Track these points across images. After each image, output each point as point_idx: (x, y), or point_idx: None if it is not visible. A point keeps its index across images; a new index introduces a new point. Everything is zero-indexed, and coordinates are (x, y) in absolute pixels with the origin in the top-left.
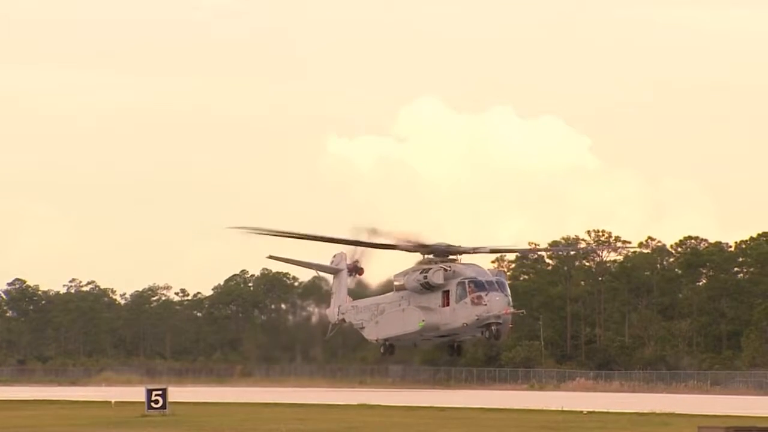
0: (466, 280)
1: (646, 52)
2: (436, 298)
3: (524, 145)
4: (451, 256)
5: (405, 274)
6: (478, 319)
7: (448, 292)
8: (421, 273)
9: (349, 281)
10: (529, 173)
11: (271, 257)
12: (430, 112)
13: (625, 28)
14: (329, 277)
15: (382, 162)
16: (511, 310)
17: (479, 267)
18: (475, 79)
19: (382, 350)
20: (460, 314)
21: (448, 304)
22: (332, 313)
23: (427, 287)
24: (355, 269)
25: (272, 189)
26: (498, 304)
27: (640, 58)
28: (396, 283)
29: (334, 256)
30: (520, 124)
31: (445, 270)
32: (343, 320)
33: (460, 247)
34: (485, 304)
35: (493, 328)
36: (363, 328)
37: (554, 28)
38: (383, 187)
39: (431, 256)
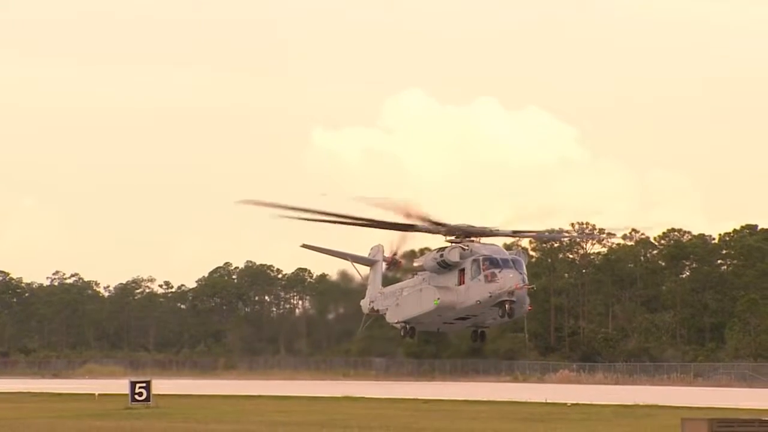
0: (481, 258)
1: (631, 45)
2: (453, 277)
3: (509, 136)
4: (472, 238)
5: (424, 255)
6: (491, 296)
7: (463, 270)
8: (437, 252)
9: (384, 273)
10: (514, 164)
11: (304, 246)
12: (415, 104)
13: (610, 20)
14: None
15: (367, 154)
16: (522, 285)
17: (497, 246)
18: (460, 71)
19: (402, 333)
20: (473, 292)
21: (463, 283)
22: (365, 304)
23: (444, 266)
24: (394, 262)
25: (258, 181)
26: (511, 280)
27: (626, 50)
28: (415, 264)
29: (372, 248)
30: (506, 116)
31: (463, 249)
32: (372, 309)
33: (482, 228)
34: (498, 281)
35: (506, 305)
36: (386, 313)
37: (539, 19)
38: (368, 178)
39: (452, 237)
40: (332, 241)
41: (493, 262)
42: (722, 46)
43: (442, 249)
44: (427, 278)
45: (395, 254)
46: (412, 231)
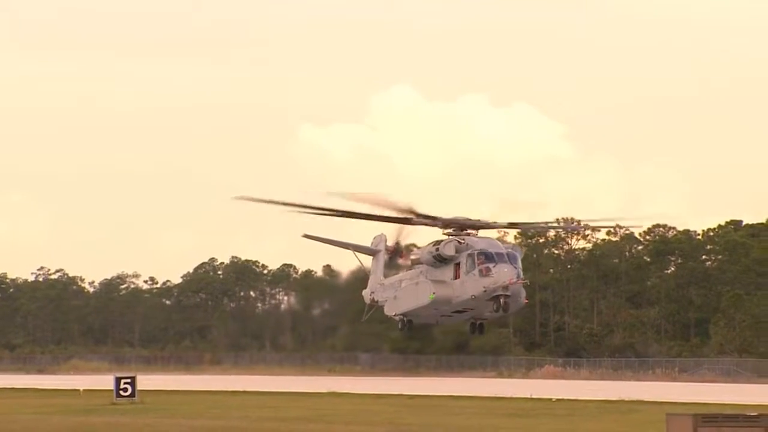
0: (476, 252)
1: (619, 42)
2: (449, 271)
3: (498, 132)
4: (470, 231)
5: (421, 249)
6: (485, 290)
7: (459, 264)
8: (433, 245)
9: (386, 262)
10: (502, 161)
11: (306, 236)
12: (403, 101)
13: (598, 18)
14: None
15: (355, 150)
16: (515, 280)
17: (492, 240)
18: (448, 68)
19: (400, 326)
20: (468, 286)
21: (459, 277)
22: (366, 294)
23: (440, 260)
24: (396, 252)
25: (245, 177)
26: (505, 275)
27: (613, 48)
28: (412, 257)
29: (374, 238)
30: (494, 112)
31: (459, 242)
32: (373, 300)
33: (479, 221)
34: (492, 276)
35: (501, 300)
36: (384, 305)
37: (527, 16)
38: (357, 174)
39: (450, 230)
40: (326, 232)
41: (488, 257)
42: (709, 43)
43: (438, 242)
44: (425, 271)
45: (398, 244)
46: (408, 224)
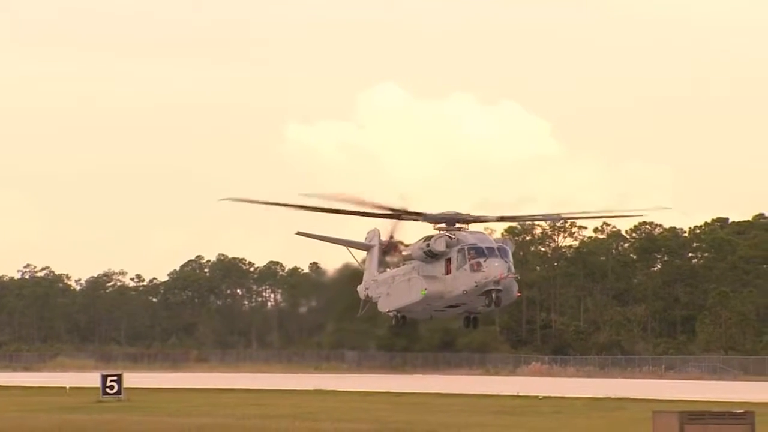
0: (466, 247)
1: (605, 39)
2: (440, 267)
3: (485, 130)
4: (460, 225)
5: (412, 244)
6: (476, 285)
7: (450, 259)
8: (424, 241)
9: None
10: (490, 159)
11: (299, 233)
12: (390, 99)
13: (586, 14)
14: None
15: (342, 148)
16: (506, 274)
17: (483, 234)
18: (435, 66)
19: (393, 322)
20: (459, 281)
21: (450, 272)
22: (361, 289)
23: (431, 255)
24: (390, 246)
25: (232, 175)
26: (496, 269)
27: (600, 44)
28: (404, 253)
29: (368, 233)
30: (481, 110)
31: (449, 238)
32: (367, 296)
33: (468, 215)
34: (483, 271)
35: (492, 294)
36: (378, 301)
37: (514, 15)
38: (344, 172)
39: (441, 225)
40: (318, 229)
41: (478, 252)
42: (695, 42)
43: (429, 238)
44: (417, 267)
45: (391, 238)
46: (399, 219)
